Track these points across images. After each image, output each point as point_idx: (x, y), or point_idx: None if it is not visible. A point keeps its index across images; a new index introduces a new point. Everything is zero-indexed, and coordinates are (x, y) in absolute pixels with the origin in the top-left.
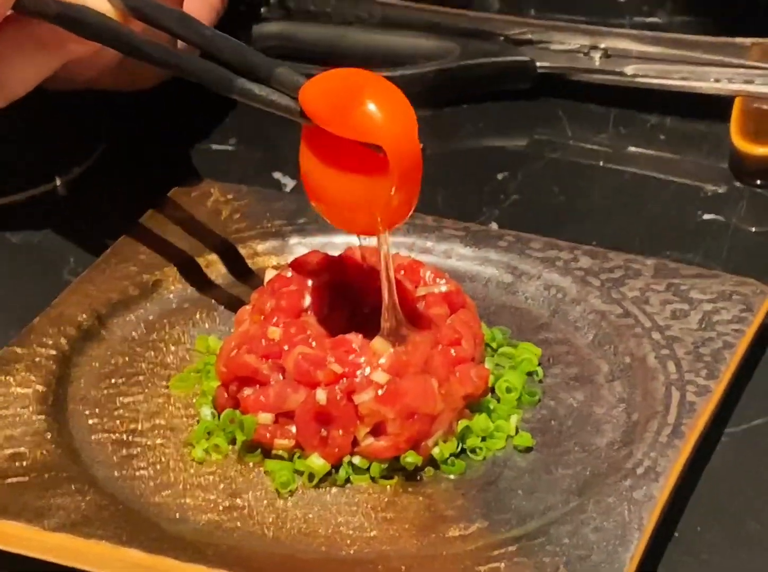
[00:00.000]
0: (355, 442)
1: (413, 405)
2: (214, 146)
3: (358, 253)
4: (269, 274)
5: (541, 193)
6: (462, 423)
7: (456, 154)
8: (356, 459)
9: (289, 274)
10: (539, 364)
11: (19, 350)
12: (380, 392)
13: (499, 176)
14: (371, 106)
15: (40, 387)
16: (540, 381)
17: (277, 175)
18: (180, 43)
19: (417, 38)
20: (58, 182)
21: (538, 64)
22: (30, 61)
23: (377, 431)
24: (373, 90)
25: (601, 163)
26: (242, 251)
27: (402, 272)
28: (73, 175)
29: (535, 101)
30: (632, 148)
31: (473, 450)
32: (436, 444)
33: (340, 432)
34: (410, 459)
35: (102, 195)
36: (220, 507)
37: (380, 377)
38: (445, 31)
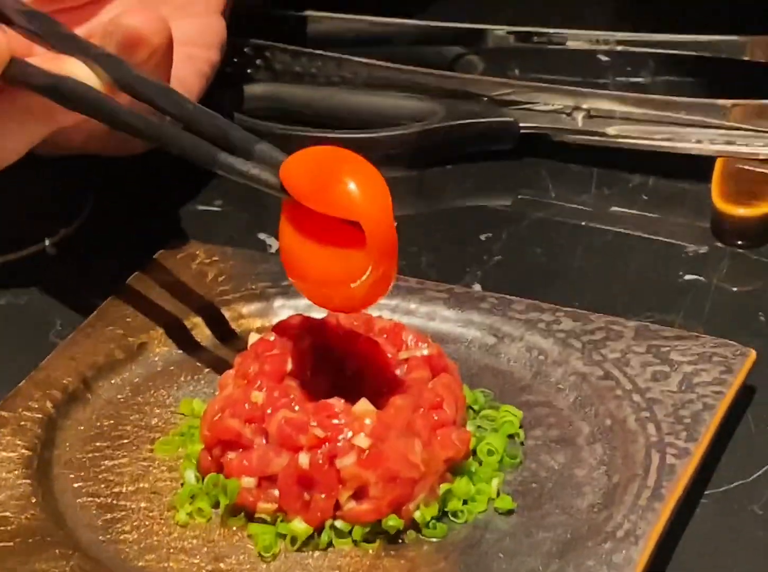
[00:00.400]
0: (337, 506)
1: (395, 469)
2: (200, 207)
3: (341, 316)
4: (253, 338)
5: (524, 253)
6: (444, 487)
7: (439, 214)
8: (338, 523)
9: (272, 337)
10: (521, 427)
11: (5, 414)
12: (362, 456)
13: (483, 237)
14: (350, 184)
15: (25, 452)
16: (521, 444)
17: (262, 235)
18: None
19: (401, 99)
20: (47, 243)
21: (521, 124)
22: (20, 129)
23: (359, 495)
24: (351, 168)
25: (584, 223)
26: (227, 314)
27: (384, 336)
28: (60, 237)
29: (519, 161)
30: (615, 208)
31: (455, 514)
32: (417, 507)
33: (323, 496)
34: (392, 522)
35: (89, 256)
36: (204, 571)
37: (362, 441)
38: (429, 91)
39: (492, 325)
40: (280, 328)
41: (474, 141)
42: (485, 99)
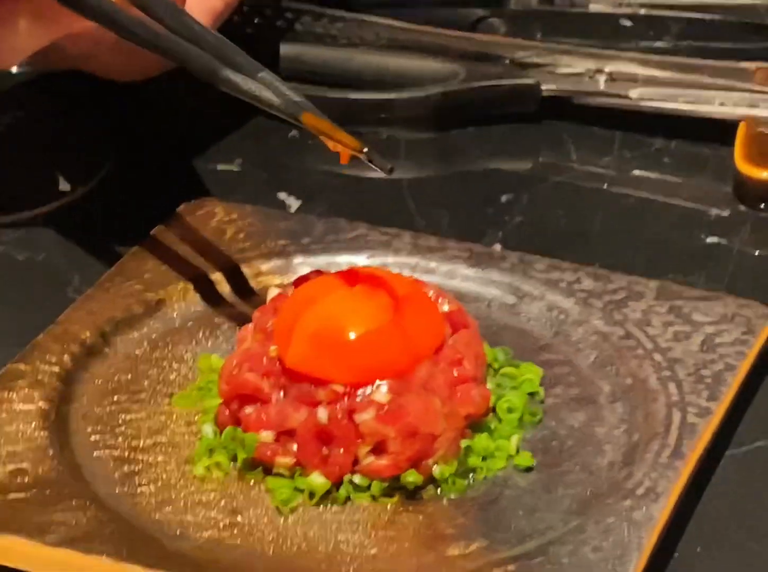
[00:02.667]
0: (356, 461)
1: (415, 424)
2: (220, 166)
3: (361, 272)
4: (272, 293)
5: (545, 215)
6: (463, 443)
7: (460, 176)
8: (357, 478)
9: (291, 292)
10: (541, 385)
11: (22, 367)
12: (382, 411)
13: (503, 198)
14: None
15: (42, 404)
16: (541, 402)
17: (282, 195)
18: None
19: (423, 60)
20: (65, 187)
21: (543, 87)
22: (27, 31)
23: (378, 450)
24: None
25: (606, 186)
26: (246, 270)
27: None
28: (78, 194)
29: (540, 124)
30: (637, 172)
31: (474, 470)
32: (436, 463)
33: (341, 450)
34: (411, 478)
35: (107, 214)
36: (221, 525)
37: (382, 396)
38: (450, 53)
39: (512, 284)
40: (300, 283)
41: (495, 103)
42: (507, 61)
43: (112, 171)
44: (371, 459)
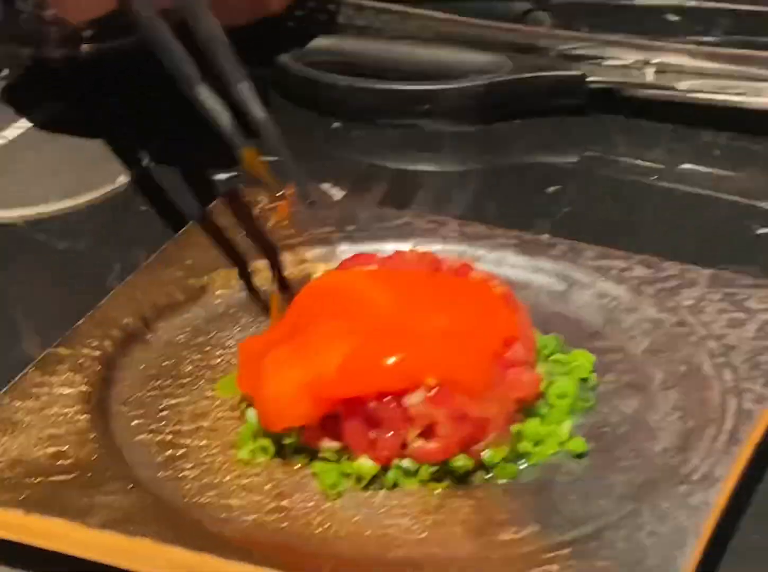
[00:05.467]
0: (404, 445)
1: (465, 407)
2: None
3: (407, 255)
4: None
5: (593, 206)
6: (514, 428)
7: (505, 170)
8: (405, 462)
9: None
10: (593, 371)
11: (63, 351)
12: (431, 394)
13: (550, 190)
14: None
15: (84, 388)
16: (593, 389)
17: (325, 186)
18: None
19: (468, 53)
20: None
21: (589, 79)
22: None
23: (428, 433)
24: None
25: (654, 179)
26: (290, 258)
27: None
28: (120, 184)
29: (587, 117)
30: (686, 165)
31: (525, 455)
32: (487, 447)
33: (390, 434)
34: (461, 462)
35: (149, 204)
36: (266, 509)
37: (431, 378)
38: (496, 45)
39: (562, 272)
40: (348, 262)
41: (541, 95)
42: (553, 53)
43: (154, 161)
44: (420, 442)
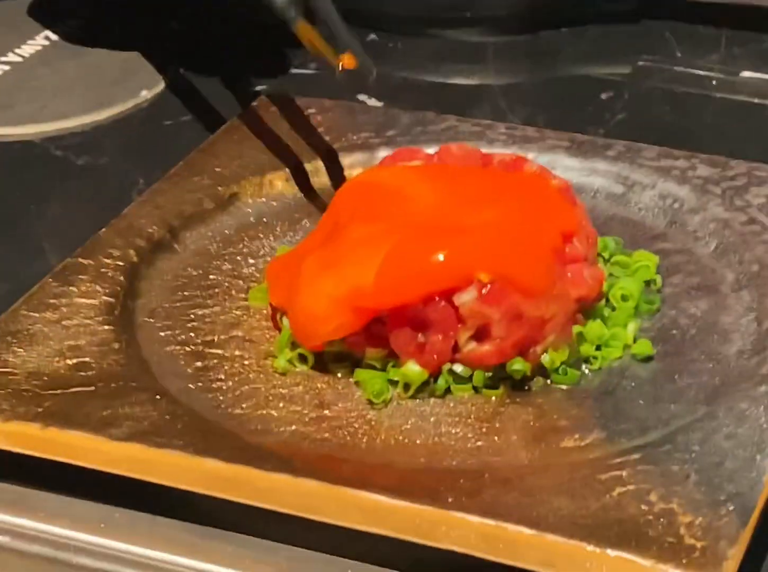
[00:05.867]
0: (456, 348)
1: (521, 305)
2: (294, 71)
3: (455, 149)
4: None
5: (650, 112)
6: (575, 330)
7: (553, 82)
8: (457, 367)
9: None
10: (657, 273)
11: (83, 261)
12: (484, 291)
13: (603, 96)
14: None
15: (106, 299)
16: (658, 291)
17: (362, 97)
18: None
19: None
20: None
21: None
22: None
23: (481, 335)
24: None
25: (714, 83)
26: (326, 164)
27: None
28: (143, 100)
29: (639, 24)
30: (747, 73)
31: (587, 360)
32: (546, 351)
33: (440, 337)
34: (518, 366)
35: (175, 116)
36: (307, 419)
37: (484, 274)
38: None
39: (620, 173)
40: (390, 159)
41: (590, 0)
42: None
43: (178, 76)
44: (473, 345)
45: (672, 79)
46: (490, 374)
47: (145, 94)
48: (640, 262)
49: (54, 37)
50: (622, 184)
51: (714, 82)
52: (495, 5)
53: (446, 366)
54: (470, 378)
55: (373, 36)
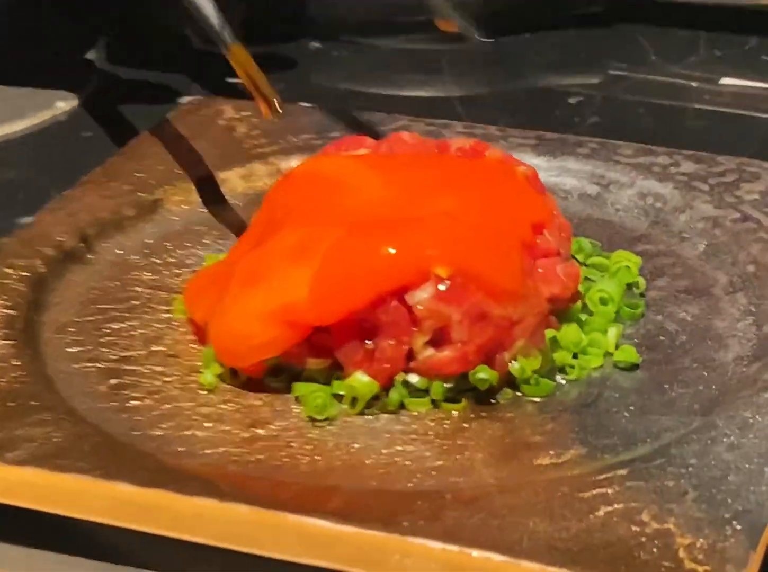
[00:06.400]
0: (410, 355)
1: (485, 305)
2: (230, 80)
3: (407, 136)
4: None
5: (623, 116)
6: (548, 334)
7: (515, 93)
8: (413, 377)
9: None
10: (640, 276)
11: None
12: (442, 288)
13: (572, 101)
14: None
15: (6, 312)
16: (642, 295)
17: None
18: None
19: None
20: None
21: None
22: None
23: (439, 340)
24: None
25: (694, 85)
26: (262, 168)
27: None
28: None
29: (610, 28)
30: (727, 79)
31: (562, 368)
32: (515, 358)
33: (391, 342)
34: (483, 375)
35: (94, 128)
36: (238, 439)
37: (442, 269)
38: None
39: (594, 172)
40: (333, 147)
41: (555, 2)
42: None
43: (103, 84)
44: (430, 352)
45: (646, 88)
46: (451, 385)
47: (62, 106)
48: (620, 263)
49: None
50: (596, 184)
51: (692, 91)
52: (450, 5)
53: (400, 377)
54: (427, 391)
55: (316, 44)
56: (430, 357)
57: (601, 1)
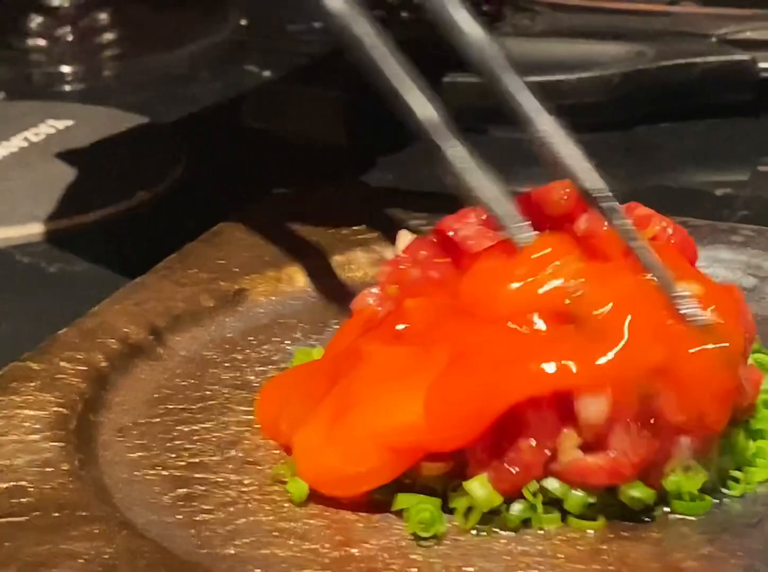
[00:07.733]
0: (551, 458)
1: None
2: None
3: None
4: (404, 239)
5: None
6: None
7: (650, 191)
8: (551, 482)
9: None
10: None
11: (34, 365)
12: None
13: (719, 192)
14: None
15: (58, 410)
16: None
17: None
18: None
19: (597, 44)
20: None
21: (760, 65)
22: None
23: (591, 445)
24: None
25: None
26: (363, 256)
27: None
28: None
29: (759, 118)
30: None
31: (724, 482)
32: (672, 471)
33: (532, 443)
34: (636, 492)
35: (172, 218)
36: (327, 560)
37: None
38: (634, 35)
39: (750, 262)
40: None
41: (696, 88)
42: (712, 38)
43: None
44: (577, 455)
45: None
46: (593, 500)
47: (142, 194)
48: None
49: (34, 138)
50: (753, 276)
51: None
52: (582, 92)
53: (532, 487)
54: (559, 504)
55: None
56: (575, 461)
57: (749, 88)
